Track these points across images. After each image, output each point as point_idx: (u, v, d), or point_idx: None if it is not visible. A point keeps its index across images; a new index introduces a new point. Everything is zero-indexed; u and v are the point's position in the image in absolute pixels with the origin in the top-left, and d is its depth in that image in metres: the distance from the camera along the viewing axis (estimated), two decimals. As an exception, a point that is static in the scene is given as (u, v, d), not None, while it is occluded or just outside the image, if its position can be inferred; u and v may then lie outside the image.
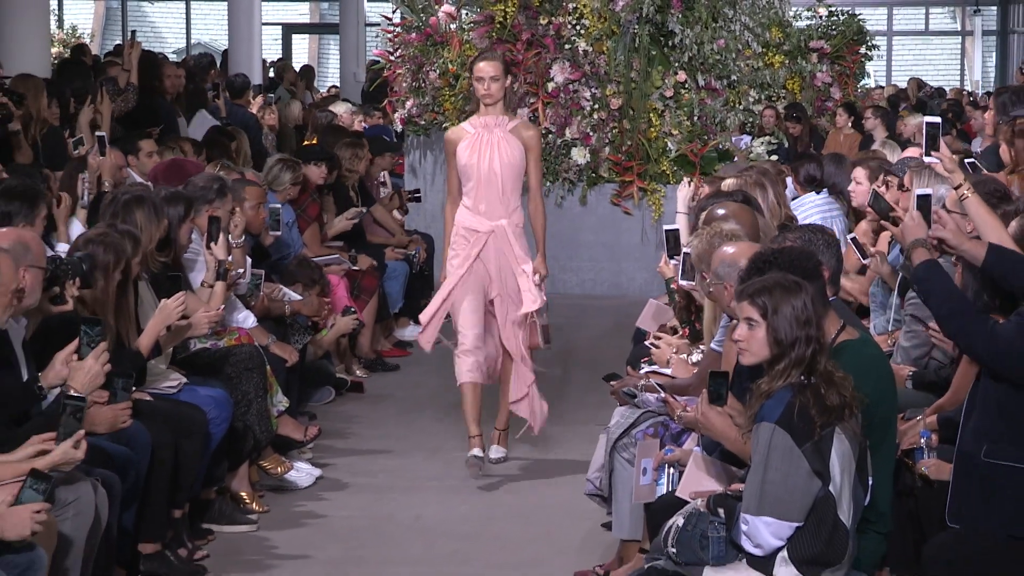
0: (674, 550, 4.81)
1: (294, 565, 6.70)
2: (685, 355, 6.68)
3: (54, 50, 18.91)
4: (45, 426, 5.22)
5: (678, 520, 4.86)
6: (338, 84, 24.63)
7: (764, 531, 4.66)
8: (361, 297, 10.32)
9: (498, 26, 12.80)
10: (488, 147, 7.90)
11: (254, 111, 14.78)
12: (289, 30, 31.16)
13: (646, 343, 7.26)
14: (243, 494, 7.29)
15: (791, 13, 14.77)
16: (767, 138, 12.97)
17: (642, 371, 6.76)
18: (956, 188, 5.68)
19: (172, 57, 17.28)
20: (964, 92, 24.81)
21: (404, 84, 13.33)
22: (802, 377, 4.72)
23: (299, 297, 8.94)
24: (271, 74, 20.88)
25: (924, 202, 5.44)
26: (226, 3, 20.94)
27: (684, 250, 6.63)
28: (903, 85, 24.48)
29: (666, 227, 7.64)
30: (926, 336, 6.38)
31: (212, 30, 31.37)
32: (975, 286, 5.44)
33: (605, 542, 6.78)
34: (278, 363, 7.89)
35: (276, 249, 9.42)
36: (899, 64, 32.04)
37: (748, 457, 4.83)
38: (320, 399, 9.46)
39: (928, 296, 5.14)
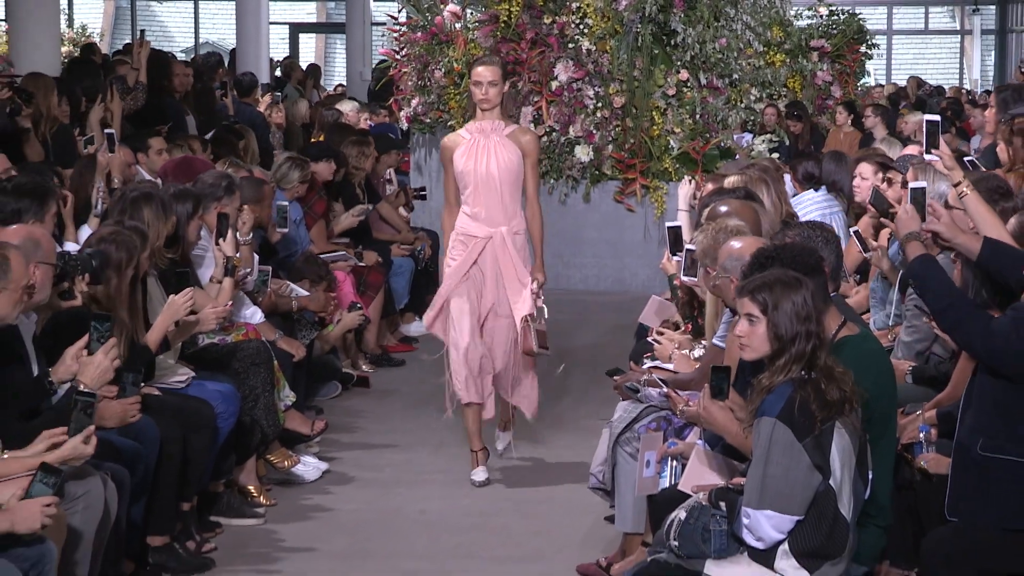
0: (676, 543, 4.83)
1: (301, 557, 6.72)
2: (687, 350, 6.71)
3: (64, 49, 18.93)
4: (55, 421, 5.24)
5: (680, 513, 4.88)
6: (344, 82, 24.65)
7: (765, 524, 4.69)
8: (367, 293, 10.35)
9: (502, 25, 12.84)
10: (485, 152, 7.76)
11: (262, 109, 14.82)
12: (296, 29, 31.11)
13: (649, 339, 7.28)
14: (250, 487, 7.31)
15: (792, 12, 14.77)
16: (768, 136, 12.98)
17: (645, 366, 6.77)
18: (955, 185, 5.71)
19: (180, 56, 17.28)
20: (963, 90, 24.82)
21: (410, 83, 13.38)
22: (802, 372, 4.74)
23: (306, 293, 8.96)
24: (278, 73, 20.91)
25: (918, 195, 5.43)
26: (234, 3, 21.00)
27: (686, 247, 6.67)
28: (903, 83, 24.50)
29: (668, 224, 7.68)
30: (927, 329, 6.39)
31: (220, 29, 31.34)
32: (975, 282, 5.45)
33: (608, 535, 6.79)
34: (285, 358, 7.93)
35: (283, 246, 9.45)
36: (899, 63, 32.01)
37: (749, 451, 4.85)
38: (327, 394, 9.50)
39: (924, 291, 5.15)
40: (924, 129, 5.74)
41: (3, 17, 17.97)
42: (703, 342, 6.64)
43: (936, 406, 5.81)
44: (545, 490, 7.72)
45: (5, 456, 5.12)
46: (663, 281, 8.58)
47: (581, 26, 12.89)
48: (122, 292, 6.32)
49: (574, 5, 12.90)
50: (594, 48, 12.82)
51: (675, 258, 7.37)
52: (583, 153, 12.84)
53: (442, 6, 13.21)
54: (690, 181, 8.70)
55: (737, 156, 11.96)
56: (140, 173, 9.18)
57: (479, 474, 7.80)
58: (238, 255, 7.65)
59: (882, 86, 23.77)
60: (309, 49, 32.07)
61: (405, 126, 13.83)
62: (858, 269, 8.12)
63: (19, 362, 5.55)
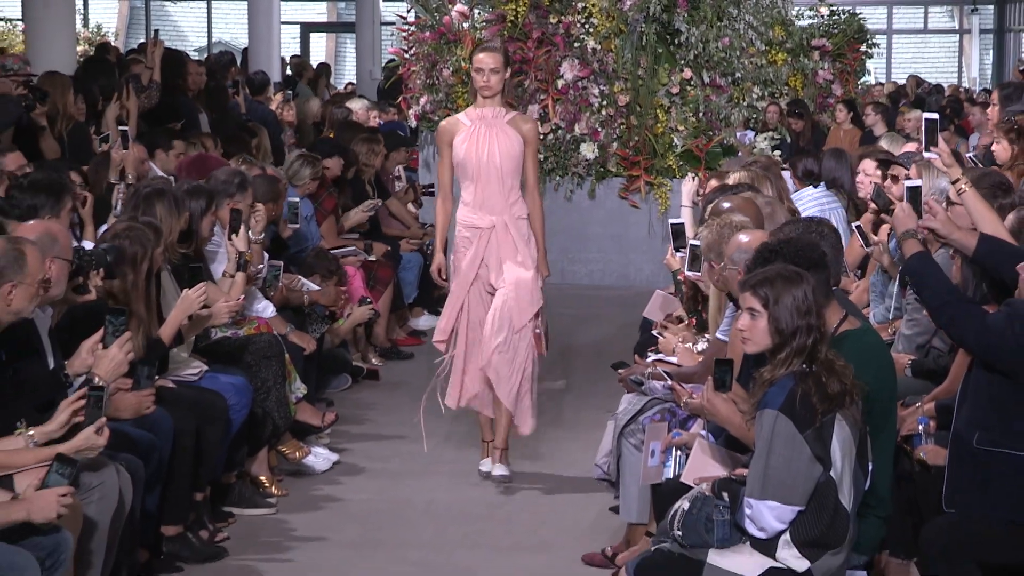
0: (680, 533, 4.86)
1: (311, 547, 6.77)
2: (691, 344, 6.74)
3: (80, 48, 18.99)
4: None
5: (684, 504, 4.91)
6: (354, 81, 24.63)
7: (767, 515, 4.72)
8: (377, 288, 10.40)
9: (509, 25, 12.88)
10: (487, 139, 7.61)
11: (273, 107, 14.84)
12: (307, 29, 31.04)
13: (653, 332, 7.32)
14: (262, 478, 7.36)
15: (794, 12, 14.79)
16: (770, 134, 13.01)
17: (649, 359, 6.81)
18: (954, 183, 5.77)
19: (194, 55, 17.33)
20: (961, 89, 24.85)
21: (418, 81, 13.43)
22: (804, 365, 4.76)
23: (317, 287, 9.01)
24: (289, 71, 20.95)
25: (913, 193, 5.46)
26: (246, 3, 21.02)
27: (690, 242, 6.71)
28: (902, 82, 24.53)
29: (671, 221, 7.72)
30: (927, 323, 6.38)
31: (233, 29, 31.35)
32: (974, 278, 5.49)
33: (612, 526, 6.84)
34: (296, 351, 7.98)
35: (295, 242, 9.50)
36: (899, 61, 32.00)
37: (752, 443, 4.89)
38: (337, 386, 9.54)
39: (921, 288, 5.18)
40: (923, 127, 5.76)
41: (20, 17, 18.03)
42: (706, 336, 6.68)
43: (935, 399, 5.83)
44: (551, 481, 7.74)
45: (31, 432, 5.19)
46: (667, 276, 8.61)
47: (586, 25, 12.94)
48: (138, 287, 6.35)
49: (579, 5, 12.94)
50: (599, 47, 12.87)
51: (679, 254, 7.42)
52: (588, 150, 12.89)
53: (450, 6, 13.26)
54: (693, 178, 8.76)
55: (739, 153, 12.02)
56: (153, 170, 9.22)
57: (487, 464, 7.83)
58: (250, 250, 7.69)
59: (882, 84, 23.83)
60: (320, 48, 32.05)
61: (414, 124, 13.87)
62: (858, 265, 8.19)
63: (35, 355, 5.59)
